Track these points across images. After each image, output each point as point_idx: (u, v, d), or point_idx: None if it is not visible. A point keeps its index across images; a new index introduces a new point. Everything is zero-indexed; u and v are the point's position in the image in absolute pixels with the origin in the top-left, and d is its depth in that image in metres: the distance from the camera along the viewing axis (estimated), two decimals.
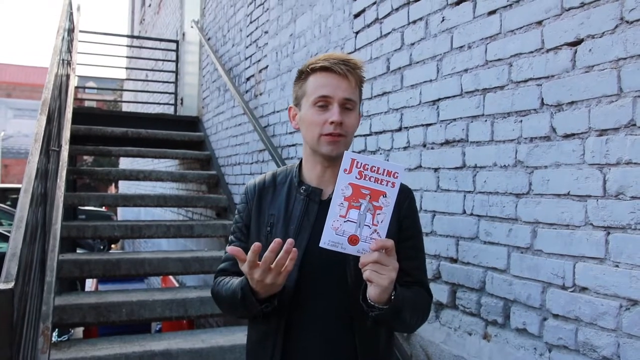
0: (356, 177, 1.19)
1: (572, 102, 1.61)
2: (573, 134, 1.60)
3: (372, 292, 1.21)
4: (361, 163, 1.19)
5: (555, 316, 1.63)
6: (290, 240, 1.20)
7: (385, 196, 1.19)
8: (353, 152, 1.23)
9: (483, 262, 1.93)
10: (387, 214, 1.20)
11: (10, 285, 1.77)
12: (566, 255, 1.60)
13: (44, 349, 1.85)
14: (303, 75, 1.42)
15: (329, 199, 1.35)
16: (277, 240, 1.20)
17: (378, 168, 1.19)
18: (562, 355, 1.60)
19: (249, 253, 1.19)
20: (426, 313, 1.44)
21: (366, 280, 1.20)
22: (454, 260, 2.08)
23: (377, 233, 1.20)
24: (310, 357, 1.36)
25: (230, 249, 1.24)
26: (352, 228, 1.20)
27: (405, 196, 1.44)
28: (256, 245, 1.19)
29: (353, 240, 1.20)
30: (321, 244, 1.21)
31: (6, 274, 1.82)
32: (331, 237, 1.20)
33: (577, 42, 1.61)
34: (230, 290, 1.36)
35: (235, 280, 1.37)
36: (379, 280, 1.18)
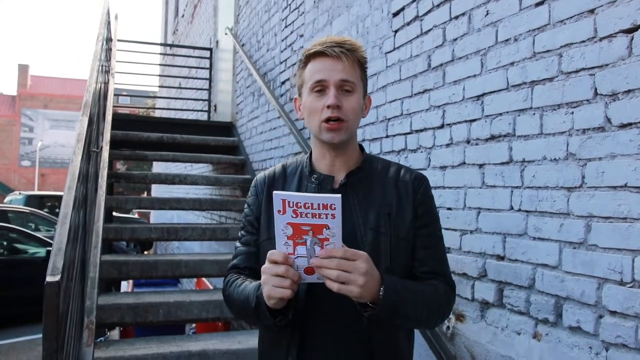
0: (292, 217, 1.11)
1: (628, 91, 1.55)
2: (630, 124, 1.54)
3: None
4: (293, 202, 1.10)
5: (613, 313, 1.56)
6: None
7: (329, 228, 1.12)
8: (282, 192, 1.15)
9: (532, 259, 1.87)
10: (338, 242, 1.13)
11: (57, 278, 1.79)
12: (624, 249, 1.53)
13: (88, 342, 1.85)
14: (302, 64, 1.40)
15: (341, 186, 1.35)
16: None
17: (312, 204, 1.10)
18: (621, 354, 1.53)
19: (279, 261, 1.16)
20: (445, 306, 1.36)
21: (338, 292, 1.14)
22: (500, 258, 2.02)
23: None
24: None
25: (277, 253, 1.16)
26: (305, 262, 1.15)
27: (420, 182, 1.40)
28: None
29: (309, 271, 1.16)
30: None
31: (52, 268, 1.85)
32: None
33: (634, 29, 1.55)
34: (243, 295, 1.30)
35: (249, 285, 1.31)
36: (347, 290, 1.13)
